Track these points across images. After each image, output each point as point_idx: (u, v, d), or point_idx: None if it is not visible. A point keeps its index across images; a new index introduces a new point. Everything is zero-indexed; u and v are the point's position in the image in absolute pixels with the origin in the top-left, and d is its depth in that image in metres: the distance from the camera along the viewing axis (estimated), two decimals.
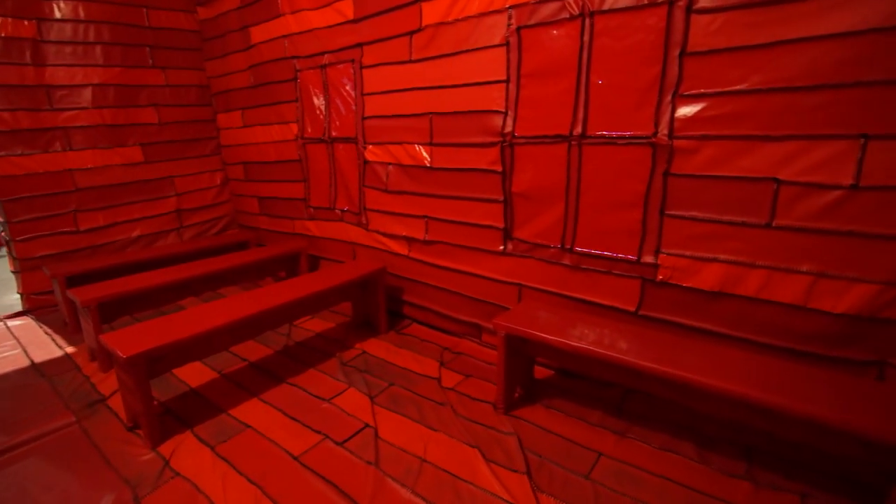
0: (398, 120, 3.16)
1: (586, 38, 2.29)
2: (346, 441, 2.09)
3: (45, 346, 3.16)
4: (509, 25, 2.53)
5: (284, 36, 3.75)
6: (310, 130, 3.81)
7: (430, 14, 2.85)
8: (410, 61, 3.01)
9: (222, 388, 2.59)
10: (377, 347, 3.04)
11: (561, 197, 2.52)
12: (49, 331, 3.40)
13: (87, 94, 3.87)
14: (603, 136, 2.32)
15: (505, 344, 2.18)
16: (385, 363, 2.83)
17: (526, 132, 2.58)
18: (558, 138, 2.46)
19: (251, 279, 3.95)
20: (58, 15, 3.68)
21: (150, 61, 4.22)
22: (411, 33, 2.97)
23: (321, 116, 3.68)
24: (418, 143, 3.08)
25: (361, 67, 3.29)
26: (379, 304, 3.21)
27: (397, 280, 3.44)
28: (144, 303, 3.11)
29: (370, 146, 3.37)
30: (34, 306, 3.79)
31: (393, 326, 3.35)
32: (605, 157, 2.34)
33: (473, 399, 2.42)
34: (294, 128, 3.92)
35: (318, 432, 2.16)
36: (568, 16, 2.32)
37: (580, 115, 2.38)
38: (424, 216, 3.15)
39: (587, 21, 2.27)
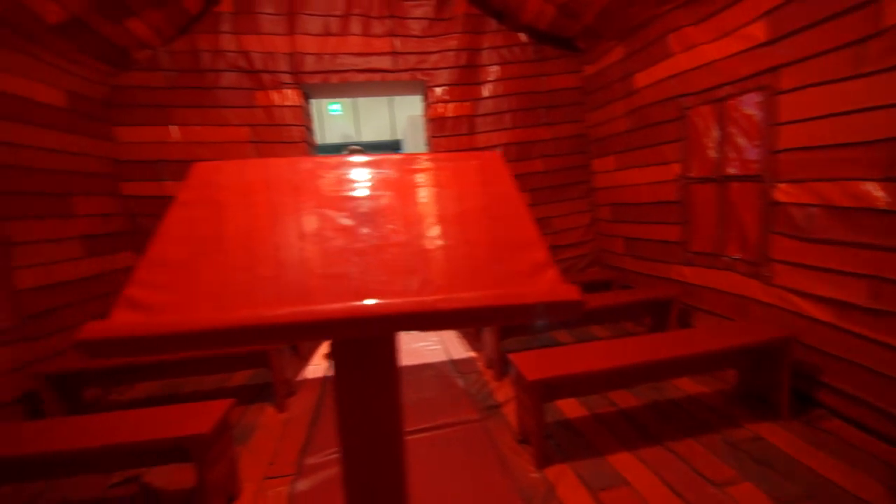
0: (832, 151, 2.48)
1: None
2: None
3: (458, 346, 4.07)
4: None
5: (673, 76, 3.64)
6: (695, 170, 3.52)
7: None
8: (857, 76, 2.33)
9: (595, 428, 2.62)
10: (778, 437, 2.42)
11: None
12: (460, 334, 4.38)
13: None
14: None
15: None
16: (793, 462, 2.20)
17: None
18: None
19: (614, 320, 3.96)
20: (485, 94, 4.80)
21: (542, 120, 4.95)
22: (863, 40, 2.29)
23: (711, 154, 3.34)
24: (866, 179, 2.32)
25: (775, 93, 2.79)
26: (780, 381, 2.57)
27: (810, 353, 2.68)
28: (528, 328, 3.55)
29: (783, 184, 2.79)
30: None
31: (799, 413, 2.61)
32: None
33: None
34: (675, 168, 3.73)
35: None
36: None
37: None
38: (869, 275, 2.33)
39: None
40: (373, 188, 0.87)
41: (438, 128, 4.81)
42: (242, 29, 4.35)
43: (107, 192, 4.10)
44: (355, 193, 0.84)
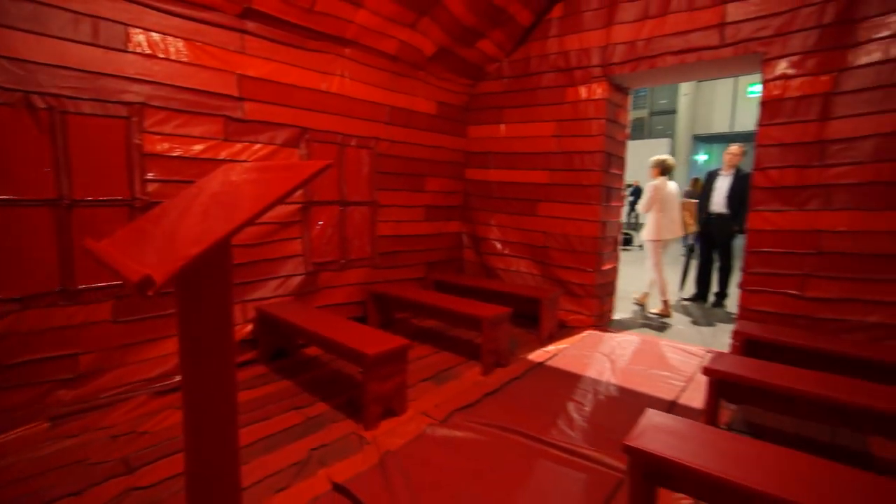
0: None
1: None
2: None
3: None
4: None
5: None
6: None
7: None
8: None
9: None
10: None
11: None
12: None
13: (868, 146, 3.23)
14: None
15: None
16: None
17: None
18: None
19: None
20: (863, 61, 3.22)
21: None
22: None
23: None
24: None
25: None
26: None
27: None
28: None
29: None
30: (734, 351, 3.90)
31: None
32: None
33: None
34: None
35: None
36: None
37: None
38: None
39: None
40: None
41: (772, 114, 3.65)
42: (566, 31, 4.69)
43: (454, 175, 5.54)
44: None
